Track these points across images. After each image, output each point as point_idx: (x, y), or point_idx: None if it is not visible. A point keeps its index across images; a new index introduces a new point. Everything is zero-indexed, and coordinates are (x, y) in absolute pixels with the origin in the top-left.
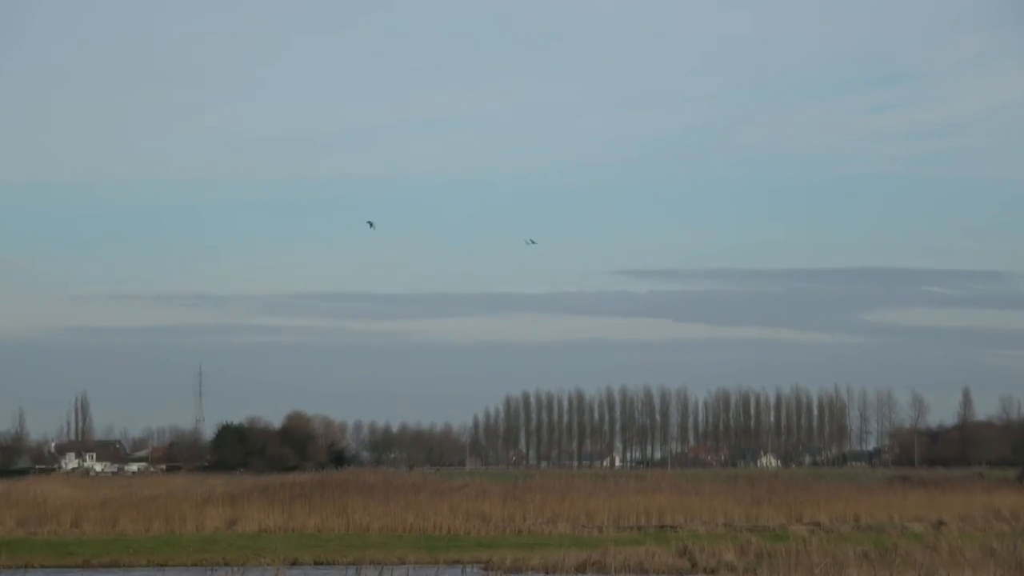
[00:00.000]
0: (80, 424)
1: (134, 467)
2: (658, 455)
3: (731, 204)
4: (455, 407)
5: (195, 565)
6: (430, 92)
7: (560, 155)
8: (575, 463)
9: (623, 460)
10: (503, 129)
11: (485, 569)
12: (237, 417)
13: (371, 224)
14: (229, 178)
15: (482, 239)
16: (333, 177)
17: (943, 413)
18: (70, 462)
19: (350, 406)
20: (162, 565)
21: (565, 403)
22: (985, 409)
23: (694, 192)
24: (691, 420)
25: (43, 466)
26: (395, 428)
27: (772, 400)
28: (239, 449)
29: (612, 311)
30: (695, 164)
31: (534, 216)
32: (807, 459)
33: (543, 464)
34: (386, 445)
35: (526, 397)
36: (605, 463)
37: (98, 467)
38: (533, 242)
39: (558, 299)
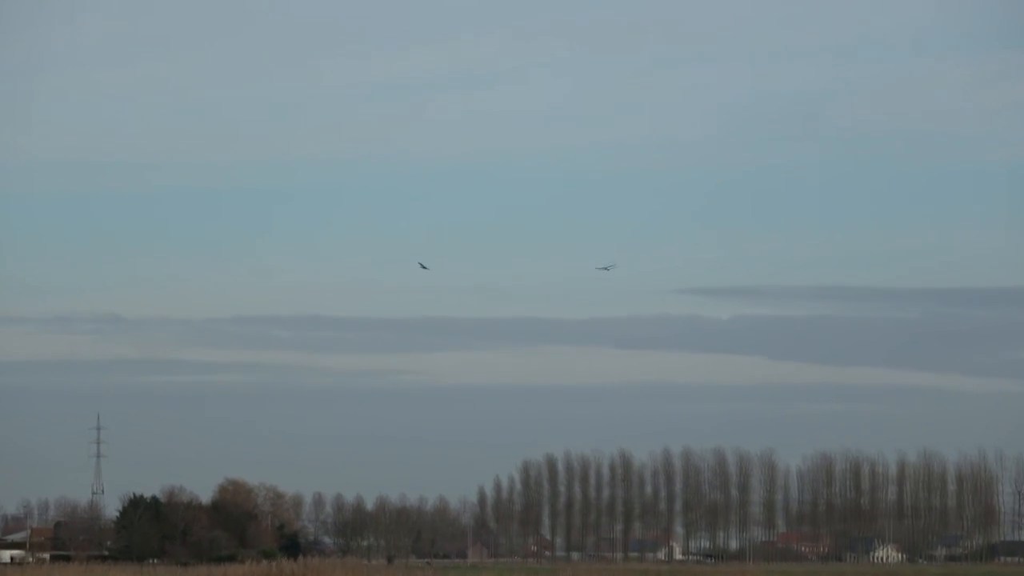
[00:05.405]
0: None
1: (7, 555)
2: (734, 544)
3: (840, 200)
4: (454, 476)
5: None
6: (421, 47)
7: (601, 132)
8: (619, 555)
9: (685, 551)
10: (525, 97)
11: None
12: (150, 488)
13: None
14: (149, 161)
15: (495, 243)
16: (298, 159)
17: None
18: None
19: (307, 474)
20: None
21: (606, 471)
22: None
23: (790, 182)
24: (780, 497)
25: None
26: (369, 504)
27: (893, 470)
28: (153, 532)
29: (678, 343)
30: (792, 145)
31: (568, 213)
32: (941, 551)
33: (575, 555)
34: (357, 528)
35: (551, 462)
36: (661, 555)
37: None
38: (608, 268)
39: (602, 326)
